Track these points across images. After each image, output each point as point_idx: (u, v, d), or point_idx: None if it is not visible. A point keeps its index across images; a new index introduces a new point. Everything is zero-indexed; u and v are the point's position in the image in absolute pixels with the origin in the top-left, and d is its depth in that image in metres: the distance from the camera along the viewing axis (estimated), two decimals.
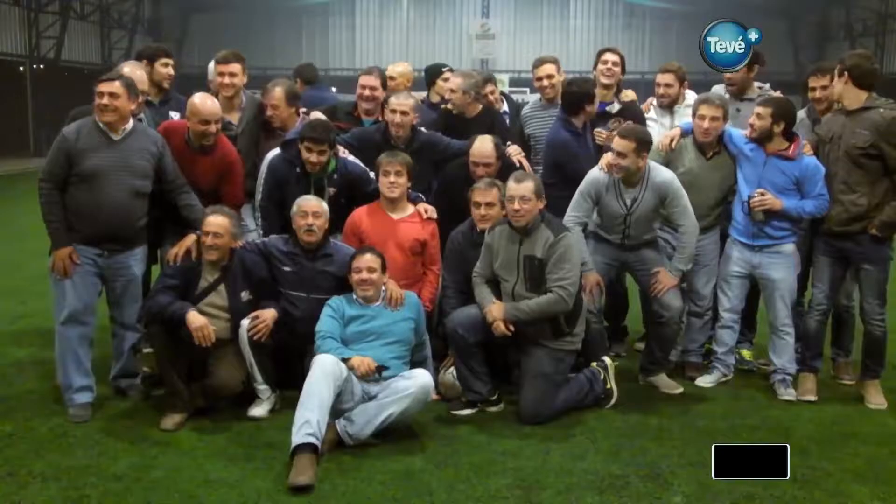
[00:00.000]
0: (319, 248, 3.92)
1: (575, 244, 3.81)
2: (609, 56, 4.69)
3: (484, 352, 3.86)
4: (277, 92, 4.45)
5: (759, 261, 4.13)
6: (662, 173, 4.03)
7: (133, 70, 4.14)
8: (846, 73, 3.89)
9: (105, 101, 3.61)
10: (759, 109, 4.01)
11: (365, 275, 3.71)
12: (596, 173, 4.08)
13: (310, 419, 3.19)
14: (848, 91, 3.90)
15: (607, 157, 4.08)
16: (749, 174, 4.08)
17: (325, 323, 3.63)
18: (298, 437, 3.16)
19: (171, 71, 4.55)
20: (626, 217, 4.06)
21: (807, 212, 4.00)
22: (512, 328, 3.73)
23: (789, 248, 4.11)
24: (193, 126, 3.98)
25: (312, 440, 3.16)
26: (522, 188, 3.72)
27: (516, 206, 3.71)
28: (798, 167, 3.98)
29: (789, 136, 4.01)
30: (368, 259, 3.73)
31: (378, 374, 3.50)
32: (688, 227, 4.03)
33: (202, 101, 3.97)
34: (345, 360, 3.46)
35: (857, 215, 3.90)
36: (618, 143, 3.92)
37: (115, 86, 3.62)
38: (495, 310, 3.75)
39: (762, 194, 3.99)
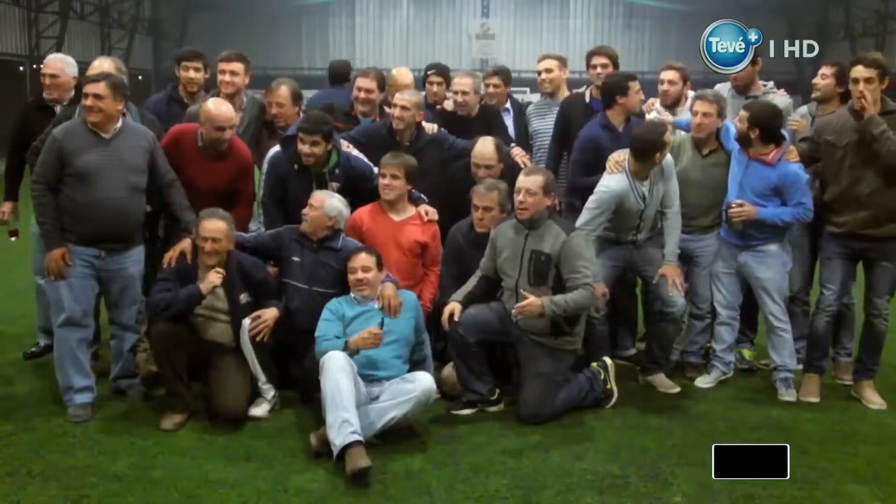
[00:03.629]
0: (325, 240, 3.92)
1: (586, 241, 3.81)
2: (597, 60, 4.67)
3: (484, 351, 3.86)
4: (283, 90, 4.45)
5: (744, 259, 4.14)
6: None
7: (101, 63, 4.16)
8: (880, 73, 3.77)
9: (90, 101, 3.61)
10: (740, 113, 4.01)
11: (360, 275, 3.70)
12: (617, 183, 3.98)
13: (348, 418, 3.21)
14: (879, 93, 3.80)
15: (615, 158, 4.07)
16: (735, 174, 4.09)
17: (323, 327, 3.62)
18: (342, 437, 3.16)
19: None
20: (642, 212, 4.06)
21: (784, 220, 4.00)
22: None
23: (774, 247, 4.09)
24: (208, 132, 3.97)
25: (356, 437, 3.17)
26: (530, 181, 3.73)
27: (521, 197, 3.72)
28: (777, 174, 3.96)
29: (774, 140, 3.97)
30: (362, 258, 3.72)
31: (380, 328, 3.51)
32: (675, 210, 4.09)
33: (216, 107, 3.96)
34: (346, 349, 3.46)
35: (884, 216, 3.84)
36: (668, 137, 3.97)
37: (100, 86, 3.61)
38: (534, 302, 3.62)
39: (740, 205, 3.99)
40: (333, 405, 3.25)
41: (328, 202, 3.90)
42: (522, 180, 3.76)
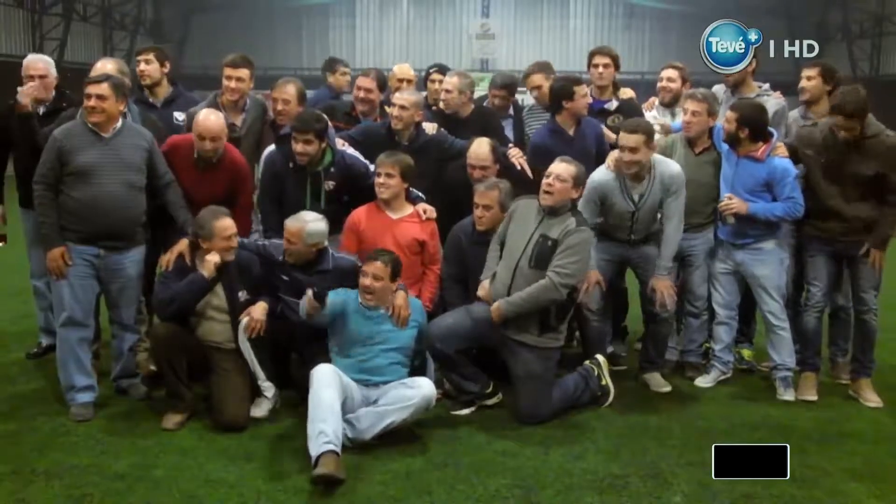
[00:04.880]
0: (315, 265, 3.86)
1: (591, 242, 3.82)
2: (599, 59, 4.68)
3: (468, 355, 3.84)
4: (290, 88, 4.45)
5: (741, 258, 4.15)
6: (671, 166, 4.03)
7: (104, 65, 4.16)
8: (860, 119, 3.81)
9: (92, 102, 3.63)
10: (728, 113, 4.04)
11: (368, 281, 3.63)
12: (601, 175, 4.06)
13: (324, 430, 3.16)
14: (855, 125, 3.84)
15: (613, 156, 4.08)
16: (726, 173, 4.12)
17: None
18: (316, 448, 3.12)
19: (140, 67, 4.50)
20: (634, 214, 4.06)
21: (776, 215, 4.02)
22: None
23: (770, 244, 4.12)
24: (195, 140, 3.99)
25: (331, 447, 3.13)
26: (562, 168, 3.75)
27: (550, 181, 3.73)
28: (766, 169, 3.99)
29: (762, 137, 4.00)
30: (376, 267, 3.62)
31: (320, 301, 3.49)
32: (675, 223, 4.04)
33: (205, 117, 3.97)
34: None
35: (859, 228, 3.95)
36: (628, 138, 3.90)
37: (103, 87, 3.64)
38: (493, 309, 3.73)
39: (730, 198, 4.02)
40: (312, 417, 3.24)
41: (305, 231, 3.76)
42: (556, 166, 3.77)
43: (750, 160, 4.02)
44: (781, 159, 4.00)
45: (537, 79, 4.77)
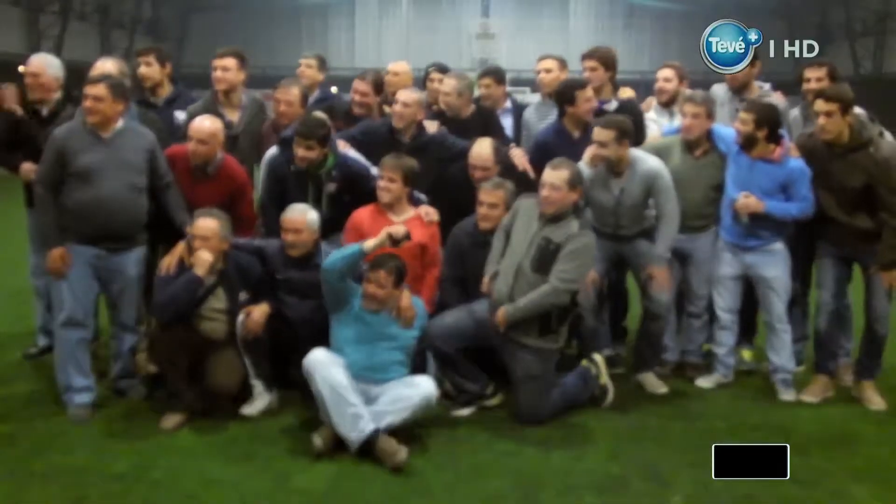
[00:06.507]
0: (309, 259, 3.87)
1: (593, 245, 3.80)
2: (586, 63, 4.65)
3: (468, 354, 3.84)
4: (294, 90, 4.44)
5: (751, 261, 4.14)
6: (649, 162, 4.00)
7: (103, 64, 4.15)
8: (841, 106, 3.75)
9: (89, 103, 3.62)
10: (742, 115, 4.01)
11: (372, 289, 3.63)
12: (580, 167, 4.04)
13: (357, 411, 3.27)
14: (843, 126, 3.80)
15: (591, 150, 4.07)
16: (736, 176, 4.09)
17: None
18: (357, 432, 3.23)
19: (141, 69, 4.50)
20: (615, 208, 4.05)
21: (792, 214, 4.01)
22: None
23: (779, 245, 4.11)
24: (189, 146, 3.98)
25: (373, 426, 3.25)
26: (555, 176, 3.71)
27: (545, 192, 3.71)
28: (783, 171, 3.97)
29: (775, 139, 3.99)
30: (380, 276, 3.61)
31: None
32: (670, 213, 4.00)
33: (199, 121, 3.98)
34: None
35: (862, 235, 3.91)
36: (598, 132, 3.93)
37: (99, 88, 3.63)
38: (500, 314, 3.72)
39: (746, 197, 4.00)
40: (335, 402, 3.28)
41: (307, 219, 3.83)
42: (548, 174, 3.74)
43: (766, 162, 3.99)
44: (796, 160, 3.98)
45: (549, 63, 4.78)
